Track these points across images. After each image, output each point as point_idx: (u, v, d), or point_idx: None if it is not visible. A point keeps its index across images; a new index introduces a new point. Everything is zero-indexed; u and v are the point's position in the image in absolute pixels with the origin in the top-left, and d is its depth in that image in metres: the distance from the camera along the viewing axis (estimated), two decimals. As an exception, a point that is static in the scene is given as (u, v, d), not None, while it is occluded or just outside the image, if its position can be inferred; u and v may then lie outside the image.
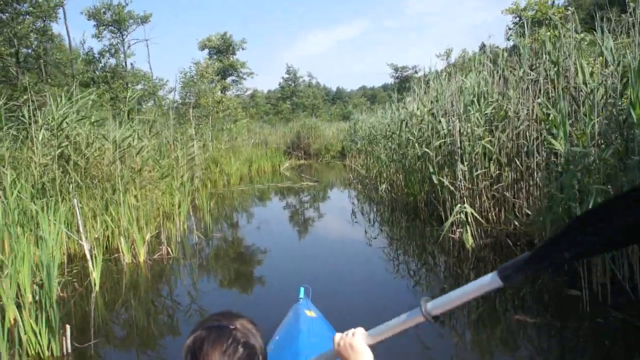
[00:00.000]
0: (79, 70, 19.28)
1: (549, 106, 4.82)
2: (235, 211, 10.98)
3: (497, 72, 6.69)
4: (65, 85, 20.02)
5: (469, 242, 5.33)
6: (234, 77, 30.42)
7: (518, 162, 6.12)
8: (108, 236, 6.31)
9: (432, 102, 8.12)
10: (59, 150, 6.04)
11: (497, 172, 6.03)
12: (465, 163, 5.70)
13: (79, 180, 6.13)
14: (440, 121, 6.28)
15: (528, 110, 6.08)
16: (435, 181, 5.97)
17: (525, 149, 5.99)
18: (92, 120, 6.82)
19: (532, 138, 5.85)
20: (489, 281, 0.99)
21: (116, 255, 5.96)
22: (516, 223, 6.02)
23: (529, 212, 6.03)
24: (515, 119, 6.13)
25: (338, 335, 1.18)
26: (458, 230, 5.58)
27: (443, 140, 6.08)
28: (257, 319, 1.06)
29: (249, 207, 11.80)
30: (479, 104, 5.91)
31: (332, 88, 77.91)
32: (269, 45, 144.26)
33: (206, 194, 11.02)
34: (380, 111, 13.99)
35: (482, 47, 9.69)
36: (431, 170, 6.14)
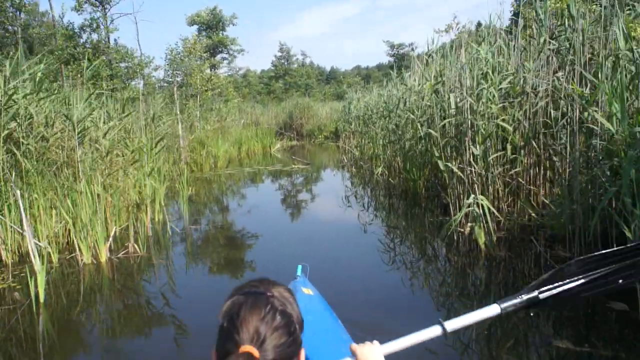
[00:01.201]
0: (59, 45, 18.19)
1: (593, 78, 4.01)
2: (220, 197, 10.15)
3: (513, 42, 5.88)
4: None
5: (482, 239, 4.56)
6: (224, 55, 29.32)
7: (535, 144, 5.35)
8: (66, 232, 5.51)
9: (435, 77, 7.29)
10: (5, 133, 5.18)
11: (513, 155, 5.25)
12: (478, 146, 4.90)
13: (30, 167, 5.29)
14: (448, 97, 5.44)
15: (548, 84, 5.29)
16: (442, 167, 5.17)
17: (543, 129, 5.22)
18: (42, 96, 5.91)
19: (552, 116, 5.07)
20: (492, 311, 1.24)
21: (74, 254, 5.16)
22: (532, 214, 5.27)
23: (546, 201, 5.30)
24: (532, 95, 5.34)
25: (354, 346, 1.21)
26: (468, 224, 4.82)
27: (451, 120, 5.25)
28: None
29: (235, 192, 10.99)
30: (493, 78, 5.09)
31: (326, 68, 76.76)
32: (264, 25, 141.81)
33: (187, 179, 10.19)
34: (377, 89, 13.11)
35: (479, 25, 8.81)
36: (436, 154, 5.33)
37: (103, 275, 4.93)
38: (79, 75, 17.39)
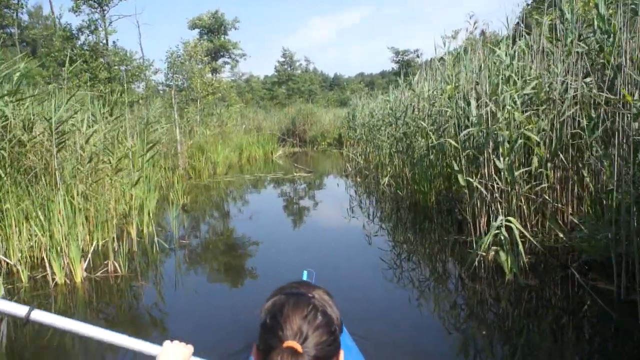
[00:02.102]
0: (56, 47, 17.73)
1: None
2: (217, 206, 9.59)
3: (535, 45, 5.35)
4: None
5: (508, 266, 3.96)
6: (225, 59, 28.88)
7: (563, 157, 4.80)
8: (39, 247, 4.96)
9: (447, 82, 6.76)
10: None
11: (538, 170, 4.70)
12: (503, 158, 4.33)
13: (2, 174, 4.76)
14: (467, 103, 4.89)
15: (577, 90, 4.75)
16: (462, 182, 4.62)
17: (569, 138, 4.68)
18: (19, 97, 5.38)
19: (582, 126, 4.53)
20: None
21: (46, 273, 4.60)
22: (560, 235, 4.71)
23: (575, 221, 4.75)
24: (559, 102, 4.80)
25: None
26: (492, 248, 4.24)
27: (474, 129, 4.69)
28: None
29: (233, 201, 10.44)
30: (515, 82, 4.55)
31: (330, 75, 76.59)
32: (269, 31, 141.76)
33: (183, 187, 9.66)
34: (382, 95, 12.59)
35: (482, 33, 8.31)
36: (455, 167, 4.76)
37: (77, 297, 4.38)
38: (76, 78, 17.03)
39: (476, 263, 4.36)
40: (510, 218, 3.80)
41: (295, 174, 13.66)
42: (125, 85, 18.99)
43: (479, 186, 4.52)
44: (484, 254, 4.26)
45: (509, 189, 4.39)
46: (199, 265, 5.55)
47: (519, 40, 5.47)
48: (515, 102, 4.39)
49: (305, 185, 12.20)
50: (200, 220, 8.14)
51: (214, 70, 26.38)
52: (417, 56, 31.29)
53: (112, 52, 19.30)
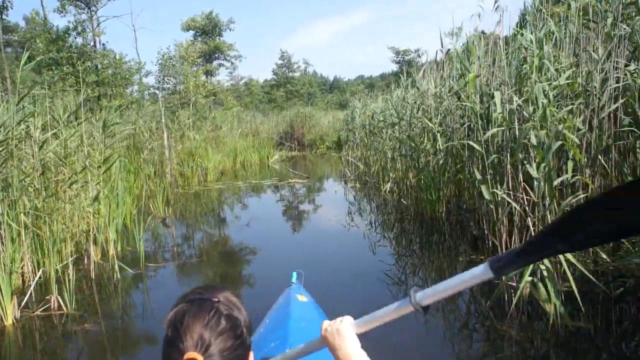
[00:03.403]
0: (39, 49, 16.89)
1: None
2: (202, 220, 8.70)
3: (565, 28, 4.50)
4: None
5: (551, 306, 3.02)
6: (221, 61, 28.06)
7: (603, 161, 3.95)
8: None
9: (463, 74, 5.92)
10: None
11: (573, 177, 3.84)
12: (537, 164, 3.44)
13: None
14: (492, 96, 4.00)
15: (619, 80, 3.91)
16: (487, 195, 3.73)
17: (611, 138, 3.83)
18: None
19: (624, 122, 3.68)
20: (480, 272, 0.92)
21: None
22: (603, 256, 3.86)
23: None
24: (597, 96, 3.95)
25: (326, 323, 1.13)
26: (526, 279, 3.33)
27: (498, 130, 3.80)
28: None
29: (221, 213, 9.57)
30: (547, 71, 3.70)
31: (329, 77, 76.16)
32: (268, 34, 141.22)
33: (165, 197, 8.80)
34: (382, 96, 11.73)
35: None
36: (478, 176, 3.85)
37: (4, 345, 3.51)
38: (61, 82, 16.21)
39: (507, 297, 3.49)
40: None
41: (291, 180, 12.80)
42: (113, 89, 18.38)
43: (509, 200, 3.63)
44: (512, 284, 3.38)
45: (545, 202, 3.50)
46: (172, 294, 4.65)
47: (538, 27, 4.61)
48: (547, 96, 3.52)
49: (301, 192, 11.34)
50: (181, 236, 7.26)
51: (208, 73, 25.56)
52: (418, 56, 30.48)
53: (100, 55, 18.51)
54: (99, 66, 18.34)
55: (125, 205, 6.20)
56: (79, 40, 18.11)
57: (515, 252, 0.89)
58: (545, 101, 3.41)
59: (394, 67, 36.17)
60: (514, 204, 3.58)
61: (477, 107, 4.07)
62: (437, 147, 6.69)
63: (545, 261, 2.90)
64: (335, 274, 4.98)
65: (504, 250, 3.77)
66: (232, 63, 28.73)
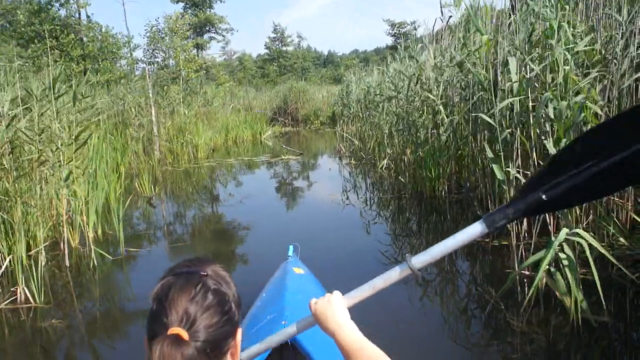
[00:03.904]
0: (21, 22, 16.20)
1: None
2: (191, 199, 8.32)
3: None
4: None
5: (571, 300, 2.68)
6: (212, 34, 27.29)
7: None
8: None
9: (462, 46, 5.52)
10: None
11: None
12: (555, 140, 3.06)
13: None
14: (506, 63, 3.58)
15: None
16: (499, 174, 3.36)
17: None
18: None
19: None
20: (475, 229, 0.97)
21: None
22: (623, 241, 3.54)
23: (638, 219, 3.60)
24: (617, 64, 3.57)
25: (313, 300, 1.10)
26: (544, 268, 2.99)
27: (514, 99, 3.40)
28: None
29: (211, 191, 9.20)
30: (568, 32, 3.30)
31: (324, 52, 75.12)
32: (261, 8, 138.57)
33: (151, 176, 8.42)
34: (380, 67, 11.26)
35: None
36: (490, 154, 3.47)
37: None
38: (45, 56, 15.57)
39: (519, 284, 3.17)
40: (579, 231, 2.58)
41: (283, 156, 12.41)
42: (100, 63, 17.76)
43: (524, 181, 3.28)
44: (526, 272, 3.05)
45: None
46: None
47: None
48: (568, 62, 3.14)
49: (295, 169, 10.98)
50: (169, 216, 6.90)
51: (199, 46, 24.85)
52: (414, 28, 29.76)
53: (85, 27, 17.82)
54: (85, 39, 17.69)
55: (110, 184, 5.81)
56: (63, 11, 17.39)
57: (506, 206, 0.94)
58: (567, 68, 3.03)
59: (389, 41, 35.44)
60: (520, 177, 3.23)
61: (490, 76, 3.65)
62: (437, 121, 6.33)
63: (566, 248, 2.57)
64: (331, 251, 4.76)
65: (512, 234, 3.44)
66: (223, 37, 27.99)
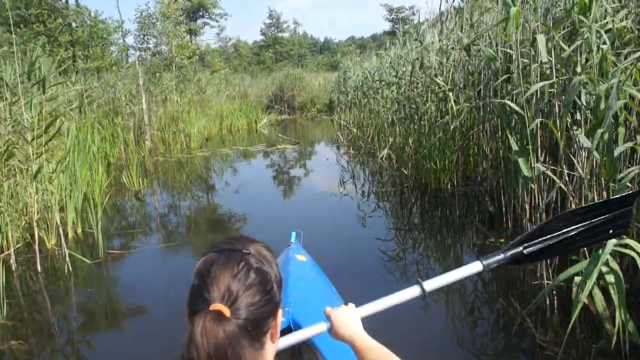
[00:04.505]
0: (5, 5, 15.58)
1: None
2: (181, 193, 7.86)
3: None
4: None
5: (616, 324, 2.24)
6: (205, 19, 26.65)
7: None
8: None
9: (470, 27, 5.09)
10: None
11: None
12: (587, 130, 2.64)
13: None
14: (533, 41, 3.14)
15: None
16: (526, 171, 2.91)
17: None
18: None
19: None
20: (475, 268, 1.24)
21: None
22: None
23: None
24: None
25: (329, 309, 1.18)
26: (589, 284, 2.55)
27: (545, 83, 2.96)
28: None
29: (203, 183, 8.78)
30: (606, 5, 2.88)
31: (320, 39, 74.49)
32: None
33: (139, 168, 7.99)
34: (381, 51, 10.78)
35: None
36: (514, 146, 3.02)
37: None
38: (31, 41, 14.99)
39: (549, 302, 2.77)
40: (629, 241, 2.19)
41: (279, 146, 11.99)
42: (89, 49, 17.19)
43: (556, 179, 2.84)
44: (548, 281, 2.65)
45: (601, 180, 2.71)
46: (137, 290, 3.87)
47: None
48: (603, 40, 2.72)
49: (291, 158, 10.57)
50: (157, 212, 6.46)
51: (192, 32, 24.24)
52: (413, 13, 29.16)
53: (74, 12, 17.21)
54: (73, 24, 17.09)
55: (95, 177, 5.40)
56: (50, -6, 16.72)
57: (500, 251, 1.25)
58: (604, 47, 2.62)
59: (386, 27, 34.85)
60: (561, 184, 2.80)
61: (518, 54, 3.18)
62: (441, 109, 5.92)
63: (610, 261, 2.18)
64: (331, 244, 4.56)
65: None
66: (217, 22, 27.36)
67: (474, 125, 5.43)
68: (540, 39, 2.87)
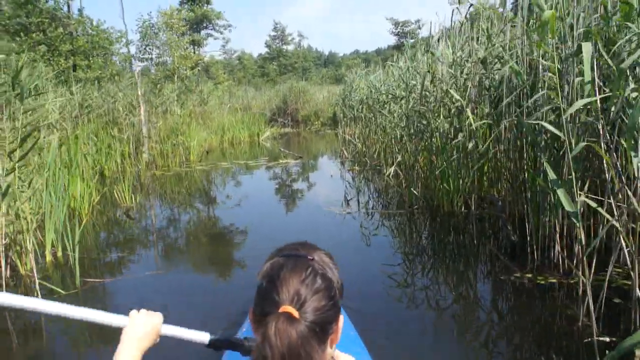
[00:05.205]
0: (6, 14, 15.34)
1: None
2: (174, 212, 7.40)
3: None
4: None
5: None
6: (208, 30, 26.45)
7: None
8: None
9: (487, 38, 4.71)
10: None
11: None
12: None
13: None
14: (578, 50, 2.71)
15: None
16: (568, 206, 2.48)
17: None
18: None
19: None
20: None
21: None
22: None
23: None
24: None
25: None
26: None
27: (591, 100, 2.53)
28: None
29: (198, 199, 8.36)
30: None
31: (324, 52, 74.77)
32: (262, 7, 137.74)
33: (130, 183, 7.57)
34: (388, 64, 10.41)
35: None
36: (551, 175, 2.57)
37: None
38: (32, 51, 14.71)
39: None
40: None
41: (281, 160, 11.58)
42: (90, 59, 16.90)
43: (608, 216, 2.40)
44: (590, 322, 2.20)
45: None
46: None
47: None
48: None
49: (292, 175, 10.15)
50: (148, 233, 6.01)
51: (196, 43, 24.02)
52: (419, 27, 28.94)
53: (75, 21, 16.97)
54: (74, 33, 16.84)
55: (83, 193, 4.99)
56: (51, 1, 16.49)
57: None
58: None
59: (391, 42, 34.72)
60: (615, 223, 2.34)
61: (555, 65, 2.75)
62: (455, 125, 5.51)
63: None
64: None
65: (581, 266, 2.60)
66: (221, 33, 27.17)
67: (490, 145, 5.02)
68: (586, 47, 2.43)
